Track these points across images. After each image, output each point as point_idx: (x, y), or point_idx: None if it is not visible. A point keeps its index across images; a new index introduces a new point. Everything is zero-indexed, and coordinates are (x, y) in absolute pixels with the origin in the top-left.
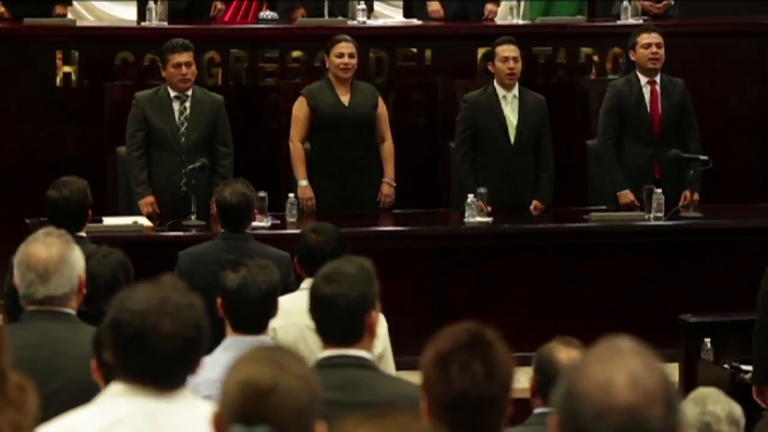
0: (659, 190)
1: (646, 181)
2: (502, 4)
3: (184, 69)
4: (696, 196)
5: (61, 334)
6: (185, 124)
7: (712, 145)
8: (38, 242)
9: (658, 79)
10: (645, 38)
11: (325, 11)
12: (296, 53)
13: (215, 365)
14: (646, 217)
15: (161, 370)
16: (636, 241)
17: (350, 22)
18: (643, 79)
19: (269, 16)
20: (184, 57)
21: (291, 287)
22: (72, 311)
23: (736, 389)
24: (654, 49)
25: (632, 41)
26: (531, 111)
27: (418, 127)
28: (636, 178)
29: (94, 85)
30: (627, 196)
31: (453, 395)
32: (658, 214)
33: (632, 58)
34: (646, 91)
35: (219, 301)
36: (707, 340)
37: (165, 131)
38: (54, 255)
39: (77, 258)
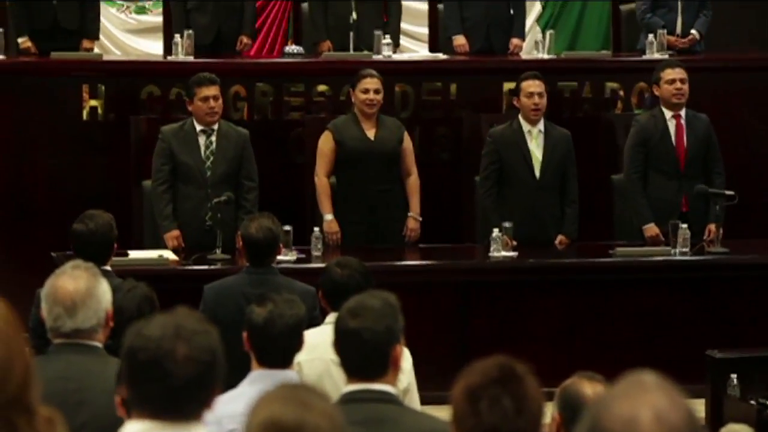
0: (684, 225)
1: (672, 215)
2: (528, 38)
3: (211, 102)
4: (720, 231)
5: (88, 368)
6: (211, 158)
7: (736, 179)
8: (66, 275)
9: (683, 113)
10: (669, 74)
11: (351, 45)
12: (322, 87)
13: (240, 399)
14: (672, 252)
15: (177, 397)
16: (661, 276)
17: (376, 57)
18: (667, 114)
19: (295, 51)
20: (212, 90)
21: (316, 321)
22: (99, 344)
23: (762, 426)
24: (678, 84)
25: (656, 76)
26: (556, 146)
27: (443, 161)
28: (662, 212)
29: (120, 118)
30: (652, 229)
31: (483, 429)
32: (684, 249)
33: (656, 93)
34: (671, 126)
35: (245, 335)
36: (733, 376)
37: (190, 165)
38: (81, 288)
39: (104, 291)
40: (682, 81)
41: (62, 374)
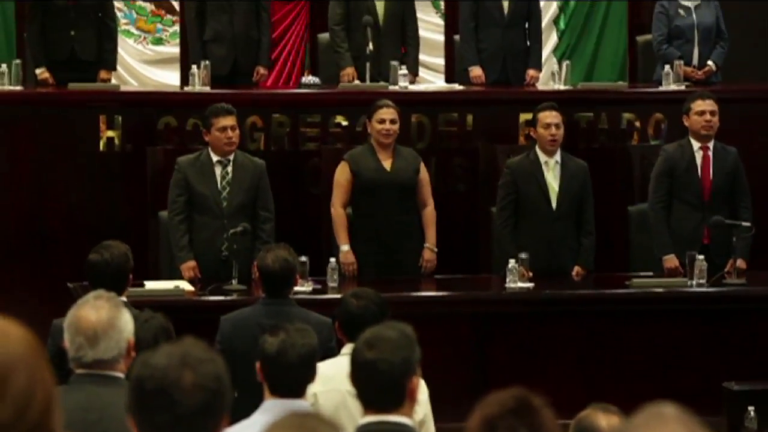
0: (701, 257)
1: (694, 246)
2: (544, 69)
3: (229, 132)
4: (741, 263)
5: (110, 398)
6: (227, 189)
7: (762, 213)
8: (88, 306)
9: (711, 145)
10: (699, 105)
11: (367, 76)
12: (338, 118)
13: (252, 428)
14: (689, 283)
15: (185, 426)
16: (678, 308)
17: (392, 87)
18: (695, 145)
19: (311, 81)
20: (230, 121)
21: (332, 352)
22: (121, 375)
23: None
24: (708, 116)
25: (686, 107)
26: (573, 177)
27: (459, 192)
28: (684, 243)
29: (137, 149)
30: (672, 261)
31: None
32: (701, 281)
33: (685, 123)
34: (698, 157)
35: (257, 365)
36: (751, 408)
37: (207, 196)
38: (103, 318)
39: (126, 321)
40: (712, 113)
41: (83, 405)
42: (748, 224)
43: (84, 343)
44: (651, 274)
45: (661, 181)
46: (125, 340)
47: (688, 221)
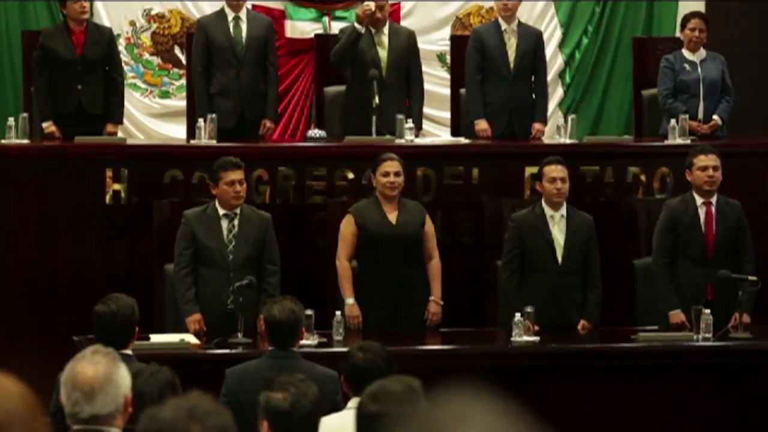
0: (708, 311)
1: (699, 301)
2: (550, 123)
3: (237, 186)
4: (746, 318)
5: None
6: (233, 242)
7: (763, 265)
8: (85, 360)
9: (714, 200)
10: (702, 160)
11: (373, 130)
12: (344, 171)
13: None
14: (695, 338)
15: None
16: (684, 362)
17: (398, 141)
18: (698, 200)
19: (317, 135)
20: (238, 175)
21: (338, 406)
22: (118, 430)
23: None
24: (710, 171)
25: (689, 161)
26: (578, 231)
27: (465, 245)
28: (689, 298)
29: (143, 202)
30: (678, 316)
31: None
32: (707, 335)
33: (688, 178)
34: (702, 212)
35: (264, 423)
36: None
37: (213, 249)
38: (100, 373)
39: (123, 377)
40: (714, 168)
41: None
42: (754, 278)
43: (81, 398)
44: (656, 328)
45: (665, 237)
46: (122, 396)
47: (691, 277)
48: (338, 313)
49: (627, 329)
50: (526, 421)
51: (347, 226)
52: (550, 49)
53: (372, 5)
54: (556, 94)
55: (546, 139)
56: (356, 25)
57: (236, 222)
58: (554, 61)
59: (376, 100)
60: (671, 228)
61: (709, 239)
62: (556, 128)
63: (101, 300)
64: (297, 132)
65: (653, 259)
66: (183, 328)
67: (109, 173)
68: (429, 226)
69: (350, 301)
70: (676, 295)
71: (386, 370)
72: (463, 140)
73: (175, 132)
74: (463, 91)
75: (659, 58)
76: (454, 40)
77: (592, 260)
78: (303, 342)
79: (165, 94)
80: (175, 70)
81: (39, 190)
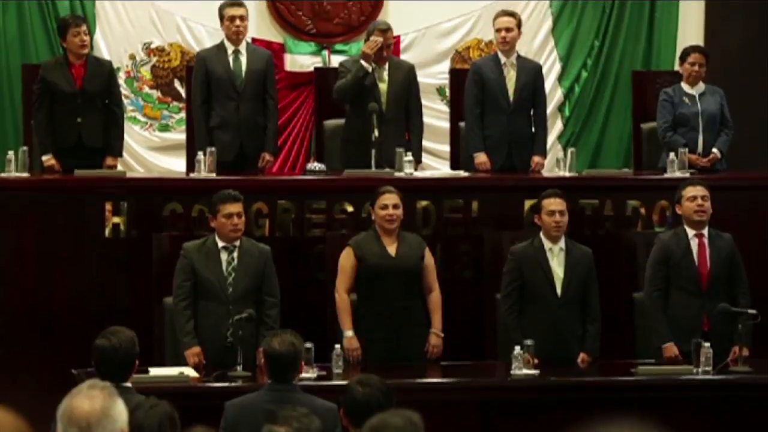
0: (707, 344)
1: (694, 334)
2: (549, 156)
3: (235, 219)
4: (745, 351)
5: None
6: (233, 275)
7: (762, 299)
8: (81, 395)
9: (705, 232)
10: (690, 191)
11: (372, 163)
12: (343, 204)
13: None
14: (694, 371)
15: None
16: (684, 396)
17: (397, 174)
18: (690, 232)
19: (317, 168)
20: (236, 207)
21: None
22: None
23: None
24: (699, 201)
25: (678, 194)
26: (577, 264)
27: (464, 278)
28: (684, 331)
29: (143, 235)
30: (671, 349)
31: None
32: (707, 369)
33: (678, 211)
34: (694, 244)
35: None
36: None
37: (212, 281)
38: (96, 408)
39: (120, 411)
40: (703, 198)
41: None
42: (754, 312)
43: None
44: (654, 361)
45: (657, 269)
46: (119, 430)
47: (687, 309)
48: (337, 346)
49: (627, 362)
50: None
51: (346, 259)
52: (550, 82)
53: (380, 40)
54: (555, 128)
55: (545, 172)
56: (363, 63)
57: (236, 255)
58: (554, 94)
59: (376, 133)
60: (663, 261)
61: (702, 271)
62: (555, 161)
63: (101, 334)
64: (296, 165)
65: (645, 292)
66: (182, 361)
67: (108, 206)
68: (428, 259)
69: (349, 333)
70: (669, 328)
71: (385, 403)
72: (462, 173)
73: (175, 165)
74: (462, 124)
75: (658, 91)
76: (454, 73)
77: (591, 293)
78: (302, 375)
79: (165, 128)
80: (175, 103)
81: (39, 223)
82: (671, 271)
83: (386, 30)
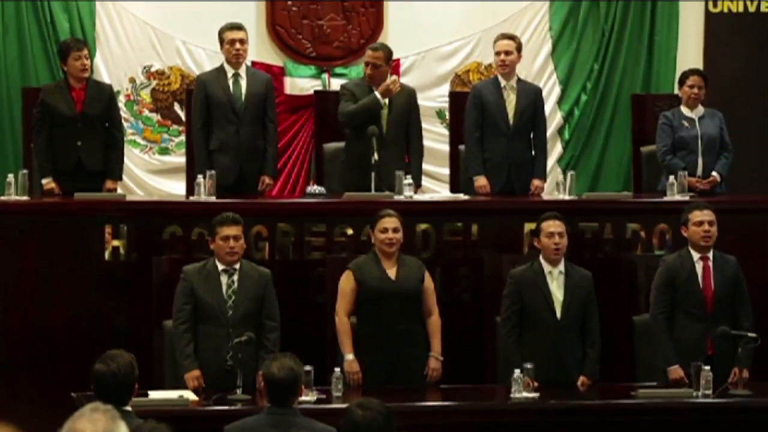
0: (707, 368)
1: (698, 357)
2: (549, 179)
3: (231, 242)
4: (746, 374)
5: None
6: (232, 298)
7: (764, 322)
8: (84, 418)
9: (710, 255)
10: (697, 215)
11: (372, 186)
12: (343, 228)
13: None
14: (694, 394)
15: None
16: (684, 419)
17: (397, 197)
18: (695, 255)
19: (317, 191)
20: (233, 230)
21: None
22: None
23: None
24: (706, 227)
25: (684, 217)
26: (577, 287)
27: (464, 301)
28: (688, 353)
29: (143, 258)
30: (677, 371)
31: None
32: (707, 392)
33: (684, 234)
34: (699, 267)
35: None
36: None
37: (212, 304)
38: (99, 431)
39: None
40: (710, 223)
41: None
42: (754, 335)
43: None
44: (656, 384)
45: (662, 292)
46: None
47: (691, 332)
48: (337, 369)
49: (626, 386)
50: None
51: (346, 282)
52: (549, 105)
53: (398, 81)
54: (555, 151)
55: (545, 196)
56: (379, 97)
57: (236, 278)
58: (553, 117)
59: (375, 156)
60: (668, 284)
61: (707, 294)
62: (555, 184)
63: (100, 358)
64: (296, 188)
65: (651, 315)
66: (182, 385)
67: (108, 229)
68: (428, 282)
69: (349, 357)
70: (675, 350)
71: (385, 426)
72: (462, 196)
73: (175, 188)
74: (462, 147)
75: (658, 114)
76: (454, 96)
77: (590, 316)
78: (302, 398)
79: (164, 151)
80: (175, 126)
81: (38, 246)
82: (676, 294)
83: (375, 49)
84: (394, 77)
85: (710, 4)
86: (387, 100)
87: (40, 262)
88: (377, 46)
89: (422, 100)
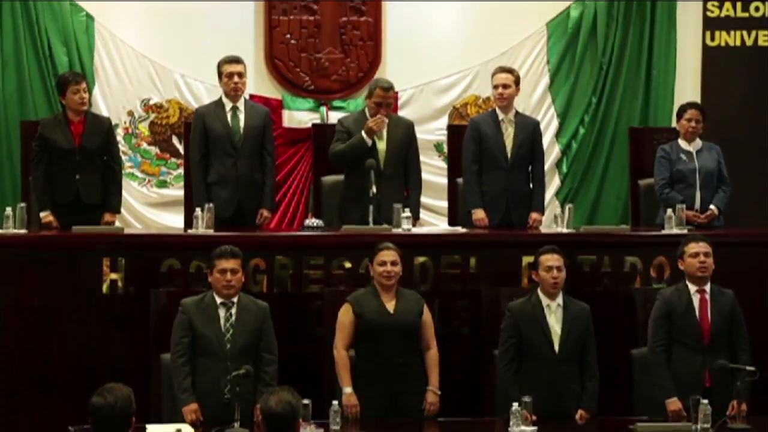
0: (706, 401)
1: (695, 389)
2: (547, 212)
3: (228, 275)
4: (744, 407)
5: None
6: (231, 331)
7: (762, 356)
8: None
9: (707, 288)
10: (693, 247)
11: (370, 219)
12: (341, 261)
13: None
14: (693, 428)
15: None
16: None
17: (395, 230)
18: (692, 288)
19: (315, 224)
20: (231, 264)
21: None
22: None
23: None
24: (702, 258)
25: (680, 250)
26: (575, 320)
27: (462, 334)
28: (686, 386)
29: (140, 292)
30: (675, 404)
31: None
32: (705, 425)
33: (681, 267)
34: (696, 300)
35: None
36: None
37: (210, 338)
38: None
39: None
40: (706, 255)
41: None
42: (752, 368)
43: None
44: (654, 417)
45: (660, 325)
46: None
47: (688, 365)
48: (335, 402)
49: (625, 419)
50: None
51: (345, 315)
52: (547, 138)
53: (386, 120)
54: (553, 184)
55: (543, 229)
56: (365, 137)
57: (234, 311)
58: (551, 150)
59: (374, 189)
60: (666, 316)
61: (704, 326)
62: (553, 217)
63: (97, 392)
64: (294, 221)
65: (649, 348)
66: (180, 418)
67: (106, 262)
68: (427, 316)
69: (348, 390)
70: (673, 383)
71: None
72: (460, 229)
73: (173, 221)
74: (460, 180)
75: (656, 148)
76: (452, 129)
77: (589, 349)
78: None
79: (162, 184)
80: (173, 159)
81: (36, 279)
82: (673, 327)
83: (389, 89)
84: (379, 116)
85: (708, 37)
86: (384, 133)
87: (38, 295)
88: (388, 85)
89: (420, 133)
